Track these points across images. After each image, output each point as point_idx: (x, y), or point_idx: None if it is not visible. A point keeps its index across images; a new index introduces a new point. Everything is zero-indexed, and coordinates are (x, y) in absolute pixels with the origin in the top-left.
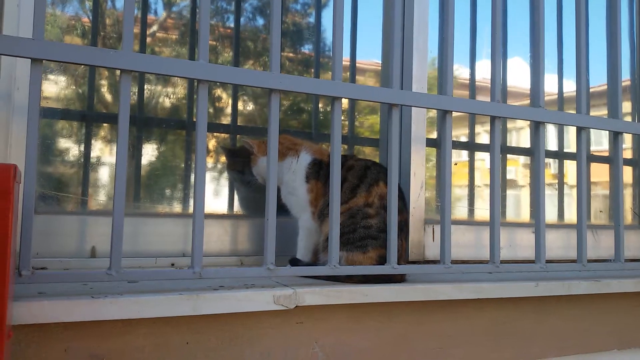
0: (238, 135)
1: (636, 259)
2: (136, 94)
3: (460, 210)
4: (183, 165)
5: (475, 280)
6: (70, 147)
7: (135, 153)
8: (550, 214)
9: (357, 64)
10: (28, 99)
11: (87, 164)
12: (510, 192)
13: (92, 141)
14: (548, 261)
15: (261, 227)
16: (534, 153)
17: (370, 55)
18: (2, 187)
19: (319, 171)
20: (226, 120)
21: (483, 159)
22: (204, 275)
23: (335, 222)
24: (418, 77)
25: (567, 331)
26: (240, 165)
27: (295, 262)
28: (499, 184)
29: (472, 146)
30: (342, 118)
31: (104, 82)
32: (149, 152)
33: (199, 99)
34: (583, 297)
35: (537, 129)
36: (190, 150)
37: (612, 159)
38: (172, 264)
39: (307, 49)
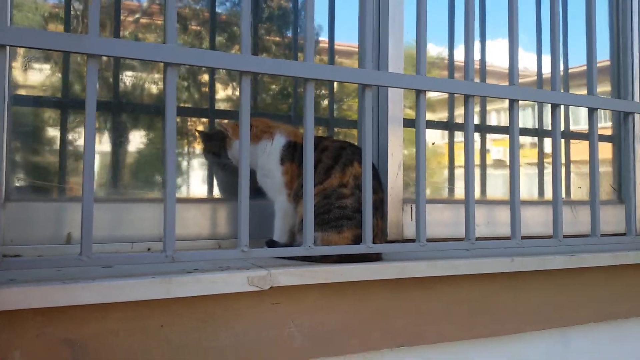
0: (216, 120)
1: (615, 233)
2: (115, 79)
3: (440, 190)
4: (162, 151)
5: (450, 257)
6: (47, 135)
7: (113, 139)
8: (531, 192)
9: (340, 47)
10: None
11: (63, 152)
12: (498, 172)
13: (69, 128)
14: (527, 237)
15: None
16: (510, 131)
17: (353, 39)
18: None
19: (293, 153)
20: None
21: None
22: (177, 258)
23: (309, 203)
24: (394, 58)
25: (543, 306)
26: (216, 149)
27: (272, 243)
28: (473, 162)
29: (451, 126)
30: (323, 101)
31: (82, 69)
32: (128, 138)
33: (167, 82)
34: (559, 271)
35: (511, 106)
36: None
37: (588, 135)
38: (149, 249)
39: (291, 33)
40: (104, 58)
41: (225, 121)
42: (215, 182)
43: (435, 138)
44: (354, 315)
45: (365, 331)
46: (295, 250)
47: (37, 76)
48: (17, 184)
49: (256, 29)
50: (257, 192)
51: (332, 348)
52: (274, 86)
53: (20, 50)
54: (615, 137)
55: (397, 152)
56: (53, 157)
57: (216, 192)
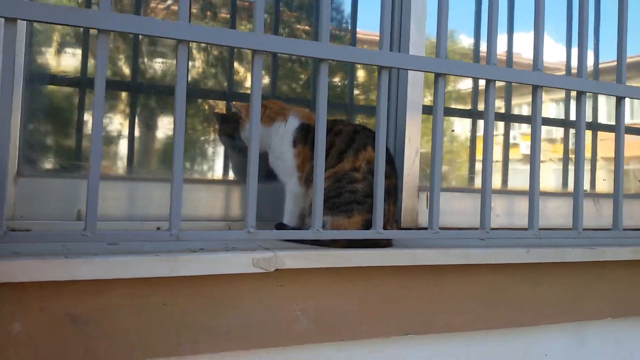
0: (233, 102)
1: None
2: (134, 59)
3: (460, 179)
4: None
5: (463, 246)
6: (61, 112)
7: (130, 118)
8: (554, 183)
9: (363, 36)
10: (1, 60)
11: (79, 130)
12: (525, 167)
13: (86, 107)
14: (546, 229)
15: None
16: (532, 118)
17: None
18: None
19: (306, 136)
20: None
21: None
22: (182, 237)
23: (319, 186)
24: (415, 41)
25: (560, 299)
26: (230, 131)
27: (281, 226)
28: (492, 149)
29: (474, 114)
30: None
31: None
32: (144, 117)
33: (179, 60)
34: (577, 264)
35: (535, 93)
36: (188, 116)
37: (615, 125)
38: (158, 228)
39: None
40: (129, 36)
41: (239, 103)
42: (229, 164)
43: (457, 127)
44: (361, 301)
45: (374, 318)
46: (302, 233)
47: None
48: (31, 160)
49: (280, 16)
50: (269, 174)
51: (338, 333)
52: (299, 72)
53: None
54: None
55: (415, 138)
56: (69, 135)
57: (230, 175)
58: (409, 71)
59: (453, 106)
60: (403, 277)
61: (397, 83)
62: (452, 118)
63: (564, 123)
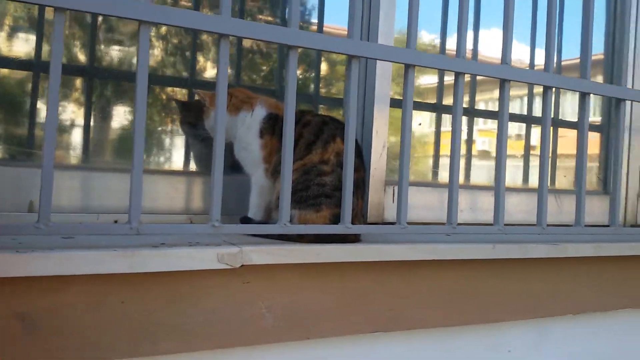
0: (196, 90)
1: (599, 224)
2: (91, 44)
3: (425, 173)
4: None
5: (431, 241)
6: (12, 97)
7: (86, 105)
8: (515, 180)
9: (330, 29)
10: None
11: (32, 115)
12: (482, 163)
13: (37, 91)
14: (509, 225)
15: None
16: (500, 113)
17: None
18: None
19: (274, 126)
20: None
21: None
22: (142, 231)
23: (286, 178)
24: (384, 32)
25: (524, 295)
26: (192, 119)
27: (246, 220)
28: (460, 144)
29: (439, 108)
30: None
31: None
32: (102, 104)
33: (141, 43)
34: (541, 260)
35: (502, 87)
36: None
37: (578, 122)
38: (115, 221)
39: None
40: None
41: (203, 91)
42: (191, 155)
43: (422, 120)
44: (329, 297)
45: (341, 315)
46: (269, 228)
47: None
48: None
49: (244, 7)
50: (234, 166)
51: (305, 331)
52: (261, 63)
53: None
54: (604, 126)
55: (383, 130)
56: (21, 122)
57: (191, 166)
58: (377, 63)
59: (418, 100)
60: (371, 273)
61: (365, 75)
62: (416, 112)
63: (525, 119)
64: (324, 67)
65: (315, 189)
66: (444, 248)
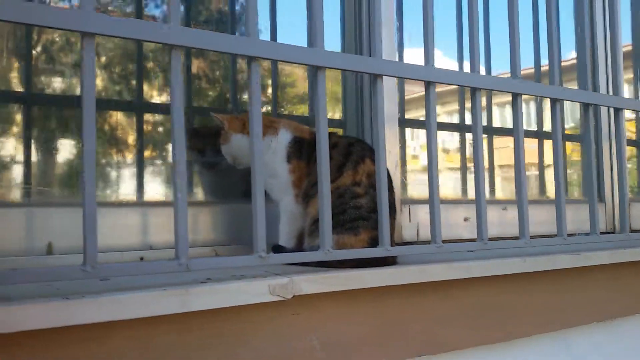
0: (213, 113)
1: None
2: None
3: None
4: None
5: (465, 259)
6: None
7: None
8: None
9: None
10: None
11: (40, 150)
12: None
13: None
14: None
15: (232, 213)
16: (515, 128)
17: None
18: None
19: (300, 150)
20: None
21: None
22: (192, 267)
23: (326, 203)
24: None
25: (550, 307)
26: (200, 146)
27: (278, 249)
28: (482, 160)
29: (462, 127)
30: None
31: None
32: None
33: (85, 57)
34: (564, 271)
35: (515, 101)
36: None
37: (583, 135)
38: (141, 258)
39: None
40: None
41: (221, 114)
42: (198, 182)
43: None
44: (371, 323)
45: (383, 340)
46: (313, 255)
47: None
48: None
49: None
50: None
51: None
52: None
53: None
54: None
55: (394, 150)
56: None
57: (200, 195)
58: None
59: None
60: (409, 295)
61: (370, 91)
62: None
63: (537, 133)
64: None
65: (352, 212)
66: (478, 265)
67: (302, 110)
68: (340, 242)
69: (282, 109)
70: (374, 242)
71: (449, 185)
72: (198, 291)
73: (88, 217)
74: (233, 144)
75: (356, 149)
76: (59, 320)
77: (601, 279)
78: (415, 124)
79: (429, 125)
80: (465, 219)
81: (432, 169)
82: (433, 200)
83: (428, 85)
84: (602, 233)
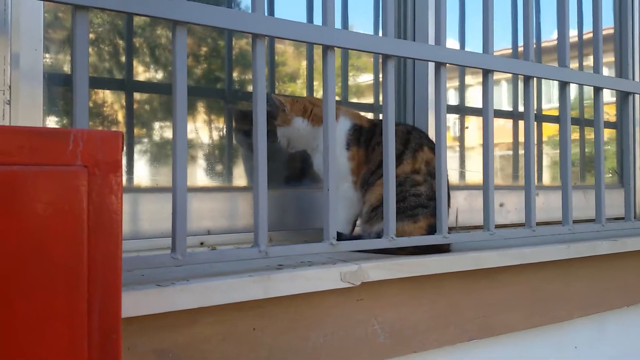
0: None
1: (619, 217)
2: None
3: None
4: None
5: (517, 245)
6: None
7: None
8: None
9: None
10: None
11: None
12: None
13: None
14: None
15: (279, 199)
16: (561, 115)
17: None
18: (112, 157)
19: (359, 137)
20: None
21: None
22: (270, 254)
23: (391, 190)
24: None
25: (589, 291)
26: (247, 127)
27: (337, 235)
28: (534, 148)
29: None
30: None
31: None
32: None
33: (177, 45)
34: (602, 256)
35: (527, 83)
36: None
37: (621, 121)
38: (201, 243)
39: None
40: None
41: (282, 95)
42: (245, 167)
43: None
44: (429, 309)
45: (441, 326)
46: (379, 242)
47: None
48: None
49: None
50: (290, 178)
51: (411, 345)
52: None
53: None
54: (618, 122)
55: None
56: None
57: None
58: (428, 68)
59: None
60: (465, 281)
61: (414, 80)
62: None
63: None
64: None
65: (412, 200)
66: (529, 251)
67: (292, 89)
68: (400, 229)
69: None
70: (431, 229)
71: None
72: (278, 278)
73: (179, 208)
74: (293, 127)
75: (414, 137)
76: (153, 307)
77: (635, 264)
78: (451, 109)
79: (485, 110)
80: (501, 205)
81: (487, 157)
82: (488, 189)
83: (486, 73)
84: (620, 218)
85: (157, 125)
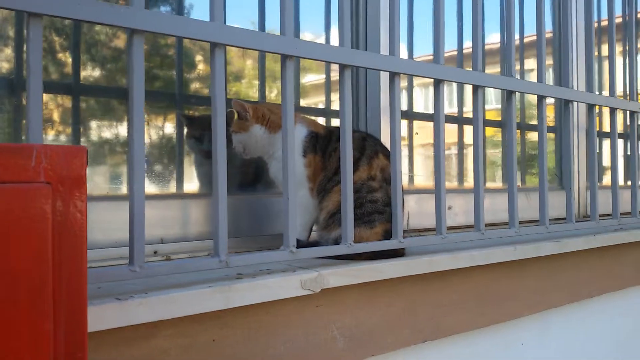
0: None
1: (558, 218)
2: None
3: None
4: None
5: (467, 248)
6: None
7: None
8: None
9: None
10: None
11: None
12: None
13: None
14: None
15: (233, 205)
16: (507, 125)
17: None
18: (76, 173)
19: (315, 144)
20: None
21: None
22: (231, 263)
23: (349, 197)
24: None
25: (535, 290)
26: (198, 133)
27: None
28: (482, 152)
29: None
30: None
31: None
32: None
33: (216, 64)
34: (546, 257)
35: (476, 92)
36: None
37: (561, 126)
38: (155, 252)
39: None
40: None
41: (241, 100)
42: (196, 173)
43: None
44: (385, 312)
45: (397, 328)
46: (336, 249)
47: None
48: None
49: None
50: (244, 184)
51: (370, 348)
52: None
53: None
54: (558, 127)
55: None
56: None
57: (192, 185)
58: (380, 75)
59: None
60: (417, 284)
61: (366, 85)
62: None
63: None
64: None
65: (369, 206)
66: (478, 254)
67: (236, 88)
68: (357, 235)
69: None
70: (387, 235)
71: (427, 172)
72: (239, 287)
73: (137, 218)
74: (251, 133)
75: (369, 144)
76: (112, 321)
77: (576, 264)
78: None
79: (437, 117)
80: (449, 208)
81: (439, 162)
82: (439, 191)
83: (438, 83)
84: (560, 219)
85: (107, 129)
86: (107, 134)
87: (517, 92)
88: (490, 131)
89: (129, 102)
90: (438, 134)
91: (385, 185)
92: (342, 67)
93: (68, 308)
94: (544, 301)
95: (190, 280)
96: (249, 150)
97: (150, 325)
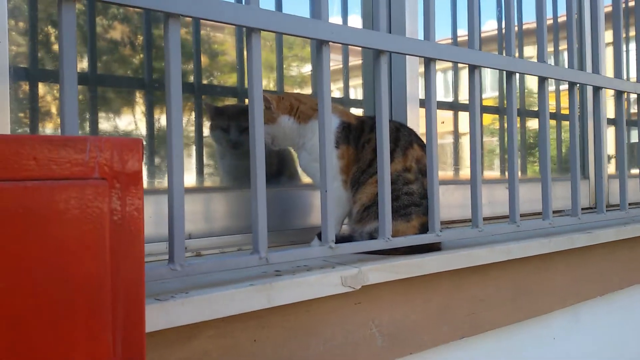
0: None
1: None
2: None
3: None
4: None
5: (502, 241)
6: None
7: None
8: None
9: None
10: None
11: None
12: None
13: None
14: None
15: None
16: (541, 112)
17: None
18: (132, 168)
19: (348, 135)
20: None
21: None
22: (271, 260)
23: (386, 190)
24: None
25: (567, 283)
26: (224, 124)
27: None
28: (516, 145)
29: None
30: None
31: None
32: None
33: (253, 51)
34: (579, 249)
35: (472, 73)
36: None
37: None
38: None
39: None
40: None
41: (268, 92)
42: (221, 166)
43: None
44: (424, 309)
45: (435, 325)
46: (375, 244)
47: None
48: None
49: None
50: (273, 176)
51: (408, 346)
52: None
53: None
54: (581, 115)
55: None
56: None
57: (216, 179)
58: (407, 62)
59: None
60: (456, 279)
61: (390, 73)
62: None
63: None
64: None
65: (405, 199)
66: (515, 247)
67: (234, 80)
68: (394, 229)
69: (212, 78)
70: (423, 228)
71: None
72: (280, 285)
73: (176, 214)
74: (279, 125)
75: (403, 134)
76: (154, 323)
77: (606, 255)
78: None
79: (472, 105)
80: None
81: (475, 151)
82: (476, 186)
83: (473, 69)
84: (584, 209)
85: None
86: (124, 124)
87: (578, 84)
88: (487, 119)
89: (166, 92)
90: (474, 123)
91: (420, 177)
92: (378, 53)
93: (125, 314)
94: (575, 293)
95: (228, 278)
96: (277, 142)
97: (192, 326)
